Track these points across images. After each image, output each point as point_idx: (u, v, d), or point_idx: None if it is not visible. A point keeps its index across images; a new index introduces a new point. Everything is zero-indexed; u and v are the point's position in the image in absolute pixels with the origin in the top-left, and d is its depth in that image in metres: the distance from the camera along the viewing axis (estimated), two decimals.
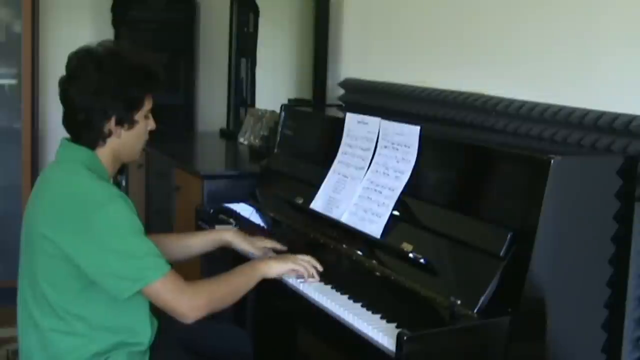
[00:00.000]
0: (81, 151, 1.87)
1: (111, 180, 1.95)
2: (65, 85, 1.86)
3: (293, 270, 2.04)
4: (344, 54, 3.28)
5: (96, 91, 1.82)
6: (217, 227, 2.59)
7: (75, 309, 1.82)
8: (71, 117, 1.87)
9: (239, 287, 1.94)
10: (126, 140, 1.90)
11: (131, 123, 1.89)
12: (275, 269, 2.01)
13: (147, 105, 1.92)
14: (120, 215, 1.77)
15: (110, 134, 1.87)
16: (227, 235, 2.28)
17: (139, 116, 1.90)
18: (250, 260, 2.09)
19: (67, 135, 1.92)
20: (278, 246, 2.29)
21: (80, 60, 1.86)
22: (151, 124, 1.97)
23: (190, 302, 1.80)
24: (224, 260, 2.43)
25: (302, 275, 2.04)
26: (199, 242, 2.27)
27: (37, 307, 1.83)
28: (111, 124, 1.86)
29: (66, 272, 1.78)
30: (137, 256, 1.76)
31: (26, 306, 1.87)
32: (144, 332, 1.90)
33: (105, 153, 1.89)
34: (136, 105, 1.89)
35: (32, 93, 4.05)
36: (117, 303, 1.81)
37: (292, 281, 2.06)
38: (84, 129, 1.86)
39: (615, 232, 1.80)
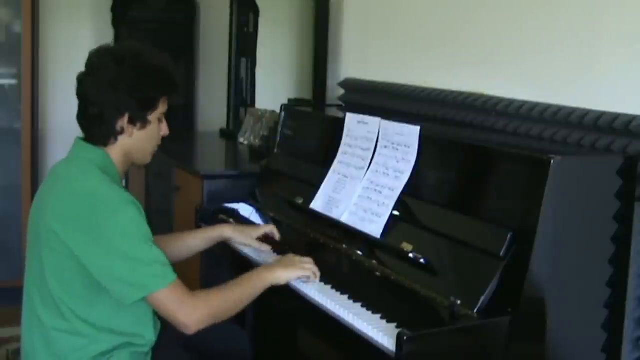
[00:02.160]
0: (94, 151, 1.87)
1: (123, 181, 1.94)
2: (82, 79, 1.87)
3: (301, 277, 2.01)
4: (344, 54, 3.28)
5: (113, 86, 1.82)
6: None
7: (79, 309, 1.81)
8: (85, 111, 1.87)
9: (243, 298, 1.91)
10: (138, 140, 1.89)
11: (144, 123, 1.88)
12: (282, 276, 1.98)
13: (162, 108, 1.91)
14: (131, 221, 1.76)
15: (122, 131, 1.86)
16: (226, 232, 2.30)
17: (152, 117, 1.90)
18: (255, 268, 2.05)
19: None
20: (275, 233, 2.34)
21: (101, 57, 1.86)
22: (164, 130, 1.96)
23: (193, 313, 1.79)
24: (224, 260, 2.44)
25: (308, 278, 2.02)
26: (199, 240, 2.28)
27: (43, 304, 1.83)
28: (124, 121, 1.85)
29: (73, 270, 1.78)
30: (145, 263, 1.75)
31: (32, 303, 1.86)
32: (148, 333, 1.91)
33: (116, 152, 1.88)
34: (151, 106, 1.88)
35: (32, 93, 4.05)
36: (122, 305, 1.81)
37: (294, 282, 2.06)
38: (97, 124, 1.86)
39: (615, 232, 1.80)
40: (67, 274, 1.79)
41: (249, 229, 2.34)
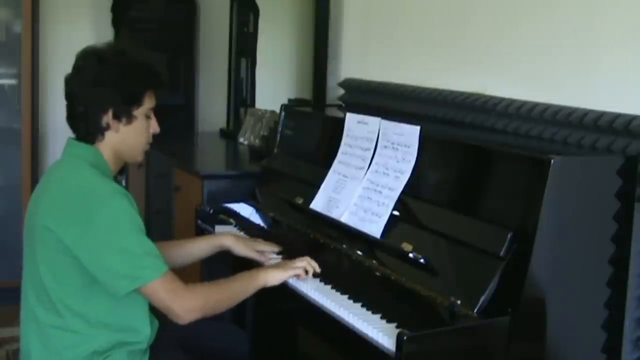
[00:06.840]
0: (85, 149, 1.89)
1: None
2: (68, 79, 1.90)
3: (292, 276, 2.04)
4: (344, 54, 3.28)
5: (95, 83, 1.85)
6: (216, 228, 2.60)
7: (75, 304, 1.82)
8: (71, 110, 1.90)
9: (236, 294, 1.94)
10: (125, 136, 1.90)
11: (129, 118, 1.89)
12: (275, 277, 2.01)
13: (148, 103, 1.93)
14: (122, 212, 1.78)
15: (108, 127, 1.88)
16: (227, 241, 2.27)
17: (138, 112, 1.91)
18: (252, 269, 2.06)
19: (68, 135, 1.93)
20: (276, 249, 2.29)
21: (85, 57, 1.90)
22: (154, 126, 1.97)
23: (185, 304, 1.80)
24: (224, 262, 2.43)
25: (302, 277, 2.04)
26: (199, 248, 2.27)
27: (39, 302, 1.84)
28: (109, 116, 1.87)
29: (68, 265, 1.79)
30: (136, 254, 1.77)
31: (28, 302, 1.87)
32: (144, 331, 1.91)
33: (106, 149, 1.90)
34: (135, 101, 1.89)
35: (32, 93, 4.05)
36: (117, 301, 1.82)
37: (292, 281, 2.06)
38: (82, 122, 1.89)
39: (615, 232, 1.80)
40: (62, 269, 1.80)
41: (251, 242, 2.31)
